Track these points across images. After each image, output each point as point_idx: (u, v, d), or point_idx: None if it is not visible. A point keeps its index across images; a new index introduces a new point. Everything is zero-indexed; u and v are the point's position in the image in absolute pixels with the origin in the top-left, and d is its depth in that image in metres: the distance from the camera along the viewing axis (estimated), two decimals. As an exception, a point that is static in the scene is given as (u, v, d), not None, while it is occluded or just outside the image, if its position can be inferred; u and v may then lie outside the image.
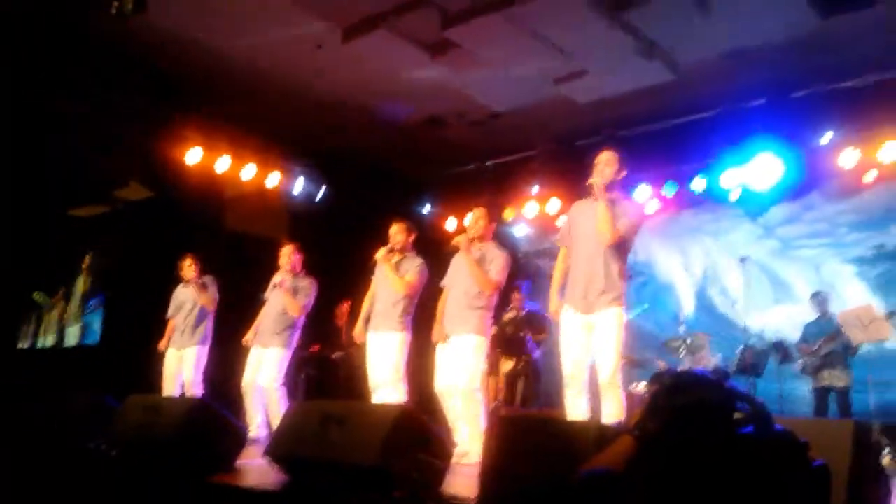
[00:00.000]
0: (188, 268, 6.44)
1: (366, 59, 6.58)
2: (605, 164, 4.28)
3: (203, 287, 6.38)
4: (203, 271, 6.52)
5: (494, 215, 5.16)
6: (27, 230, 8.57)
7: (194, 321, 6.36)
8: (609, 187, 4.25)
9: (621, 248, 4.22)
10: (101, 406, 4.38)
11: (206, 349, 6.38)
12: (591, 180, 4.25)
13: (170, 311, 6.58)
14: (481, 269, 4.78)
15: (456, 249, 4.91)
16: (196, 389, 6.19)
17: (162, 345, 6.48)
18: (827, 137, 6.84)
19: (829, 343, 6.42)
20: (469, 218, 5.10)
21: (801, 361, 6.67)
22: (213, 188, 8.06)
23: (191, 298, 6.41)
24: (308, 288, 6.02)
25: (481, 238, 4.94)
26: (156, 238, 7.91)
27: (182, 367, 6.31)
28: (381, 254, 5.17)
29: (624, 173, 4.34)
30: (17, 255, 8.58)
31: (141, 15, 4.76)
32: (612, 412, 4.02)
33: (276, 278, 5.96)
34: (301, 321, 6.02)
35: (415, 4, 5.79)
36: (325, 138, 8.42)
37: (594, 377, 4.15)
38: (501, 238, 7.82)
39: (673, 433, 1.69)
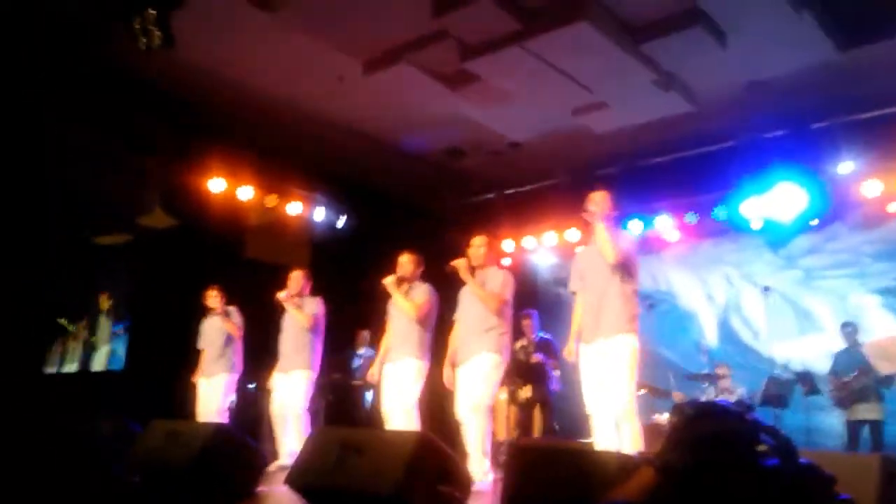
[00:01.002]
0: (213, 298, 6.55)
1: (386, 90, 6.68)
2: (595, 203, 4.42)
3: (227, 315, 6.45)
4: (228, 301, 6.59)
5: (496, 245, 5.21)
6: (54, 257, 8.72)
7: (221, 349, 6.43)
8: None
9: (627, 273, 4.30)
10: (125, 431, 4.42)
11: (234, 377, 6.46)
12: (586, 213, 4.39)
13: (200, 342, 6.67)
14: (483, 289, 4.84)
15: (454, 272, 4.93)
16: (221, 416, 6.22)
17: (196, 377, 6.54)
18: (848, 168, 6.80)
19: (861, 376, 6.33)
20: (472, 246, 5.14)
21: (832, 393, 6.56)
22: (235, 217, 8.18)
23: (217, 328, 6.50)
24: (314, 303, 6.10)
25: (482, 266, 5.00)
26: (179, 265, 8.02)
27: (210, 395, 6.36)
28: (389, 280, 5.23)
29: (615, 212, 4.47)
30: (43, 282, 8.73)
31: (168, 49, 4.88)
32: (629, 444, 4.01)
33: (281, 295, 6.02)
34: (318, 342, 6.05)
35: (435, 37, 5.89)
36: (345, 168, 8.53)
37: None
38: (521, 266, 7.85)
39: (695, 465, 1.68)
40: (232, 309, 6.55)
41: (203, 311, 6.68)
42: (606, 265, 4.29)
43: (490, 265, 5.07)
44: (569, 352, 4.46)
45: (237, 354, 6.47)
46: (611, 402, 4.11)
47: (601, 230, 4.30)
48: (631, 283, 4.30)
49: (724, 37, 5.61)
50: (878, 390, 6.31)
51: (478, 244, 5.06)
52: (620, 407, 4.08)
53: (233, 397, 6.65)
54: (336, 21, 5.71)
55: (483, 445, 4.61)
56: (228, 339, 6.45)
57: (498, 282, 4.89)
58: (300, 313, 5.97)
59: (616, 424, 4.10)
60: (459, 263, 4.88)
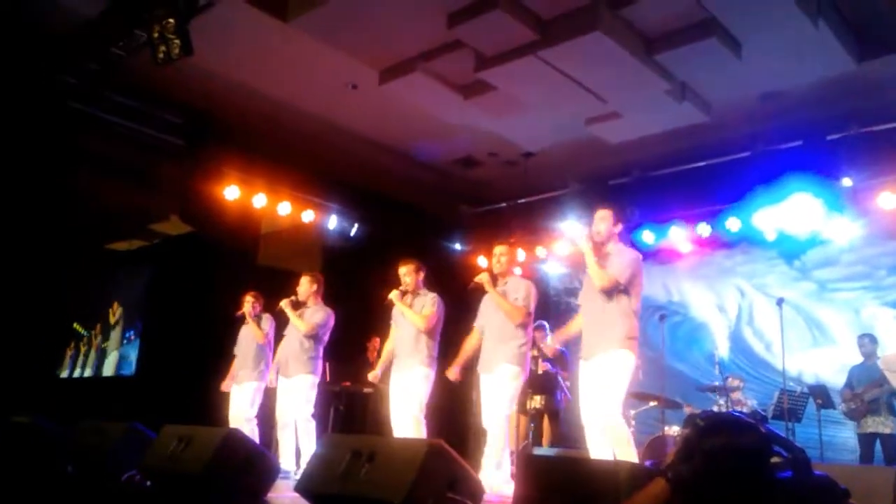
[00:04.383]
0: (247, 304, 6.47)
1: (401, 99, 6.71)
2: (600, 220, 4.40)
3: (258, 322, 6.42)
4: (263, 308, 6.52)
5: (516, 253, 5.22)
6: (68, 263, 8.81)
7: (252, 357, 6.34)
8: (605, 241, 4.36)
9: (623, 293, 4.21)
10: (137, 436, 4.44)
11: (262, 385, 6.33)
12: (584, 236, 4.38)
13: (235, 349, 6.58)
14: (508, 301, 4.84)
15: (478, 288, 4.96)
16: (249, 424, 6.21)
17: (224, 385, 6.47)
18: (864, 180, 6.76)
19: (874, 389, 6.26)
20: (493, 255, 5.14)
21: (844, 406, 6.50)
22: (249, 224, 8.23)
23: (249, 335, 6.43)
24: (319, 313, 6.03)
25: (503, 275, 5.01)
26: (192, 272, 8.08)
27: (240, 402, 6.33)
28: (394, 295, 5.27)
29: (620, 226, 4.43)
30: (58, 287, 8.82)
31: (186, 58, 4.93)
32: (616, 452, 4.01)
33: (283, 302, 5.99)
34: (320, 348, 6.02)
35: (450, 47, 5.92)
36: (359, 176, 8.57)
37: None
38: (533, 275, 7.82)
39: (706, 477, 1.67)
40: (265, 316, 6.46)
41: (231, 318, 6.61)
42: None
43: (510, 273, 5.08)
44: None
45: (267, 363, 6.36)
46: (597, 411, 4.10)
47: (588, 256, 4.25)
48: (629, 301, 4.25)
49: (740, 47, 5.60)
50: (890, 404, 6.23)
51: (499, 253, 5.06)
52: (604, 415, 4.06)
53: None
54: (352, 31, 5.76)
55: (500, 455, 4.62)
56: (260, 347, 6.36)
57: (521, 294, 4.88)
58: (299, 320, 5.92)
59: (602, 431, 4.09)
60: (483, 279, 4.91)
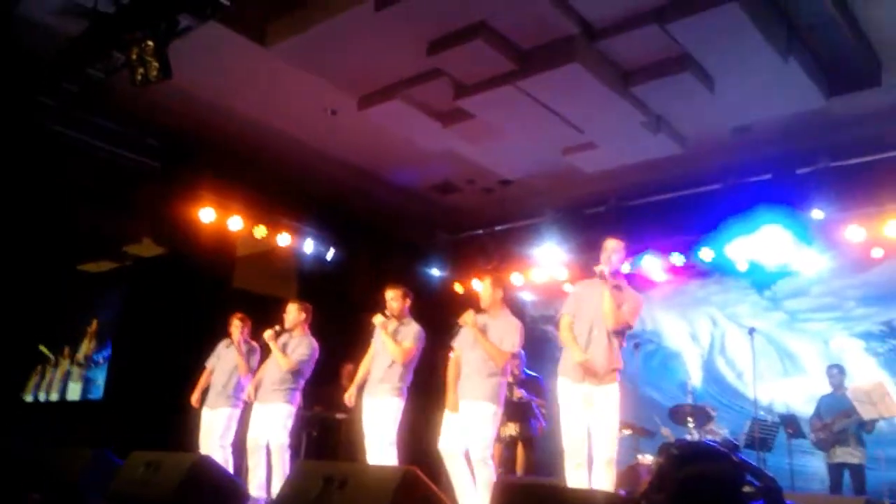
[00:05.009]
0: (235, 328, 6.33)
1: (379, 125, 6.75)
2: (613, 251, 4.45)
3: (242, 351, 6.23)
4: (251, 334, 6.36)
5: (501, 282, 5.18)
6: (36, 284, 8.65)
7: (232, 383, 6.18)
8: (614, 274, 4.45)
9: (623, 333, 4.44)
10: (104, 461, 4.35)
11: (237, 412, 6.20)
12: (598, 268, 4.43)
13: (209, 363, 6.42)
14: (492, 344, 4.75)
15: (463, 325, 4.87)
16: (224, 451, 6.05)
17: (194, 399, 6.29)
18: (832, 213, 6.91)
19: (842, 419, 6.33)
20: (480, 287, 5.12)
21: (813, 436, 6.56)
22: (224, 247, 8.16)
23: (232, 360, 6.26)
24: (304, 345, 5.89)
25: (490, 308, 4.95)
26: (165, 295, 7.97)
27: (214, 427, 6.17)
28: (378, 320, 5.23)
29: (625, 258, 4.62)
30: (24, 309, 8.65)
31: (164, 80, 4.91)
32: (607, 485, 4.10)
33: (267, 334, 5.86)
34: (302, 380, 5.90)
35: (429, 75, 5.98)
36: (336, 201, 8.57)
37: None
38: (509, 304, 7.83)
39: (681, 504, 1.68)
40: (256, 346, 6.29)
41: (200, 342, 6.50)
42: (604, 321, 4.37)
43: (501, 308, 4.96)
44: (583, 360, 4.33)
45: (243, 390, 6.18)
46: (601, 445, 4.19)
47: (607, 297, 4.33)
48: (624, 336, 4.39)
49: (713, 82, 5.73)
50: (858, 434, 6.30)
51: (485, 285, 4.98)
52: (607, 454, 4.19)
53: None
54: (331, 58, 5.79)
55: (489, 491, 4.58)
56: (242, 377, 6.18)
57: (509, 339, 4.77)
58: (283, 357, 5.76)
59: (598, 468, 4.18)
60: (467, 320, 4.80)
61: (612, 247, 4.46)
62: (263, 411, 5.80)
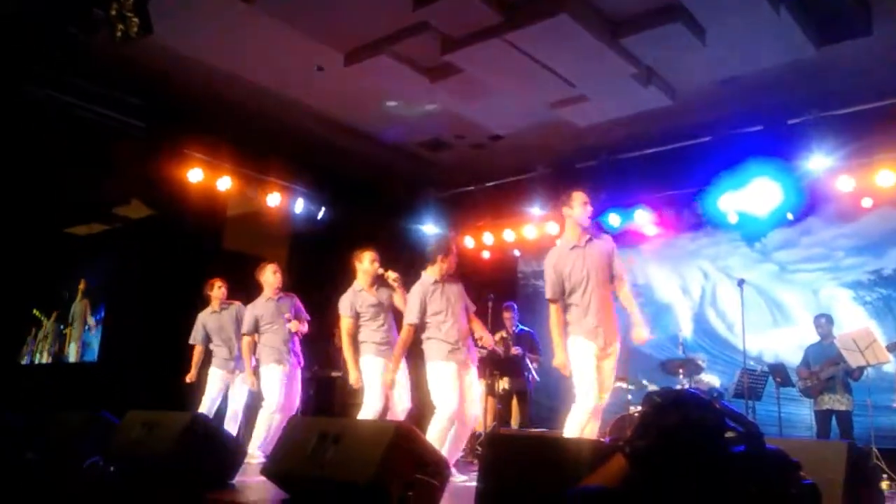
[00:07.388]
0: (218, 290, 6.37)
1: (367, 81, 6.66)
2: (584, 203, 4.55)
3: (230, 310, 6.33)
4: (228, 296, 6.42)
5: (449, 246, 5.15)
6: (27, 248, 8.62)
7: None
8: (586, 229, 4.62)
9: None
10: (100, 422, 4.39)
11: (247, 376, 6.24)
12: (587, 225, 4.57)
13: (196, 338, 6.41)
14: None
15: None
16: (238, 417, 6.17)
17: (190, 376, 6.31)
18: (823, 163, 6.90)
19: (830, 367, 6.43)
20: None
21: (801, 384, 6.68)
22: (214, 208, 8.11)
23: (229, 321, 6.32)
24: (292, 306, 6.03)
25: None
26: (156, 257, 7.95)
27: (232, 390, 6.24)
28: (394, 278, 5.27)
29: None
30: (17, 273, 8.63)
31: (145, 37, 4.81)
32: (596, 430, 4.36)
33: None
34: (296, 339, 6.00)
35: (416, 29, 5.87)
36: (325, 159, 8.50)
37: None
38: (501, 259, 7.84)
39: (662, 451, 1.71)
40: (241, 307, 6.33)
41: (193, 303, 6.49)
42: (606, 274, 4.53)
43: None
44: (563, 366, 4.43)
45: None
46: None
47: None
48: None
49: (704, 33, 5.65)
50: (845, 382, 6.42)
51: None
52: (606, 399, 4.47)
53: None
54: (317, 12, 5.68)
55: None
56: (237, 336, 6.24)
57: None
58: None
59: (596, 413, 4.38)
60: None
61: (583, 199, 4.50)
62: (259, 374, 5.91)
